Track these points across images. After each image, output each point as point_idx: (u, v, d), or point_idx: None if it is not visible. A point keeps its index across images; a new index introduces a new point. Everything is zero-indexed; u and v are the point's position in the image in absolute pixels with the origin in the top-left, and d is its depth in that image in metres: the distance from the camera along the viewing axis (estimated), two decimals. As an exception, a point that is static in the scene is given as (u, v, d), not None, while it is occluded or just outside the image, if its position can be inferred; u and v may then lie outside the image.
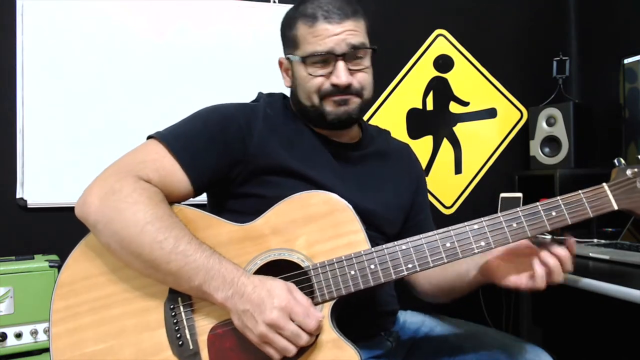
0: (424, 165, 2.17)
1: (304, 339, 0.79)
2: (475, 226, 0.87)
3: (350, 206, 0.90)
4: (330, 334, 0.83)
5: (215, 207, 1.04)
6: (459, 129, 2.22)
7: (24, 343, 1.39)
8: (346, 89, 1.00)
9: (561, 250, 0.87)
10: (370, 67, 1.04)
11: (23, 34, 1.68)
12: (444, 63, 2.21)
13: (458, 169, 2.22)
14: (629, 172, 0.91)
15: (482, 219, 0.88)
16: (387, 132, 1.23)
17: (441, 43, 2.20)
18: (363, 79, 1.02)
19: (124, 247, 0.84)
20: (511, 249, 0.91)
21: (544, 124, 2.08)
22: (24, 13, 1.69)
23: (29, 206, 1.69)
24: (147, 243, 0.82)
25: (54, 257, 1.54)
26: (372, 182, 1.08)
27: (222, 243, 0.89)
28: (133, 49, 1.80)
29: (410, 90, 2.17)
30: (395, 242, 0.87)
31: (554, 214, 0.88)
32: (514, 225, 0.87)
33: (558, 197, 0.89)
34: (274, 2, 1.97)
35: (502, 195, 2.02)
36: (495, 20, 2.27)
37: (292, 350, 0.79)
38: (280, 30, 1.10)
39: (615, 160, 0.94)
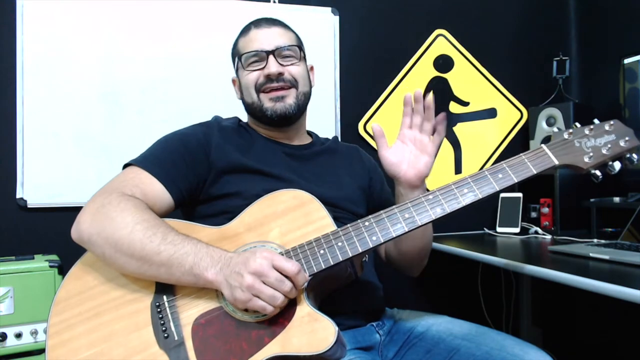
0: (424, 165, 2.17)
1: (288, 284, 0.84)
2: (430, 196, 0.94)
3: (316, 197, 0.98)
4: (305, 309, 0.87)
5: (190, 215, 1.12)
6: (459, 129, 2.22)
7: (24, 343, 1.40)
8: (279, 80, 1.13)
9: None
10: (302, 63, 1.18)
11: (23, 34, 1.69)
12: (444, 63, 2.21)
13: (458, 169, 2.22)
14: (565, 134, 0.99)
15: (435, 190, 0.95)
16: (335, 137, 1.33)
17: (441, 43, 2.20)
18: (295, 70, 1.15)
19: (118, 248, 0.90)
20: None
21: (544, 124, 2.08)
22: (24, 13, 1.69)
23: (29, 206, 1.69)
24: (138, 239, 0.89)
25: (54, 257, 1.54)
26: (326, 172, 1.18)
27: None
28: (133, 48, 1.80)
29: (410, 90, 2.15)
30: (359, 220, 0.94)
31: (500, 175, 0.96)
32: (465, 190, 0.94)
33: (502, 162, 0.97)
34: (274, 2, 1.97)
35: (502, 195, 2.02)
36: (495, 21, 2.27)
37: (279, 297, 0.83)
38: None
39: (555, 128, 1.00)
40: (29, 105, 1.69)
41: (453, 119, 2.22)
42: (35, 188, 1.69)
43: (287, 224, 0.96)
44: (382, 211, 0.94)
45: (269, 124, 1.17)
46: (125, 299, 0.91)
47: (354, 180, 1.21)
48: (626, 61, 1.78)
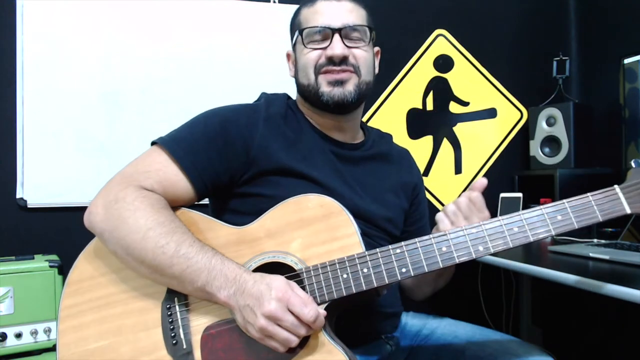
0: (424, 165, 2.17)
1: (303, 329, 0.79)
2: (474, 230, 0.84)
3: (346, 209, 0.89)
4: (320, 337, 0.82)
5: (217, 207, 1.04)
6: (459, 129, 2.22)
7: (24, 343, 1.39)
8: (342, 63, 1.00)
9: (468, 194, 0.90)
10: (369, 47, 1.05)
11: (23, 33, 1.69)
12: (444, 63, 2.21)
13: (458, 169, 2.22)
14: None
15: (481, 222, 0.85)
16: (390, 136, 1.22)
17: (441, 43, 2.20)
18: (360, 55, 1.02)
19: (129, 253, 0.86)
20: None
21: (544, 124, 2.08)
22: (24, 13, 1.69)
23: (29, 206, 1.69)
24: (149, 248, 0.84)
25: (54, 257, 1.54)
26: (373, 182, 1.08)
27: (219, 246, 0.89)
28: (133, 48, 1.80)
29: (410, 90, 2.16)
30: (390, 246, 0.86)
31: (559, 217, 0.83)
32: (515, 229, 0.83)
33: (564, 200, 0.83)
34: (274, 2, 1.97)
35: (502, 195, 2.02)
36: (495, 20, 2.27)
37: (293, 340, 0.79)
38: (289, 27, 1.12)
39: (633, 162, 0.88)
40: (29, 105, 1.69)
41: (453, 119, 2.22)
42: (35, 188, 1.69)
43: (310, 236, 0.88)
44: (417, 239, 0.85)
45: (323, 109, 1.04)
46: (136, 293, 0.89)
47: (398, 199, 1.11)
48: (626, 61, 1.77)
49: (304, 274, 0.86)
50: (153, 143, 0.98)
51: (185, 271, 0.83)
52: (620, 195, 0.83)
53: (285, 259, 0.89)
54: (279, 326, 0.79)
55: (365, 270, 0.84)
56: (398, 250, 0.85)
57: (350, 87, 1.01)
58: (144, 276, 0.88)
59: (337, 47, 0.99)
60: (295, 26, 1.07)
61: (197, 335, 0.85)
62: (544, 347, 1.03)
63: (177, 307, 0.87)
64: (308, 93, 1.04)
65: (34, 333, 1.40)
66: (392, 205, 1.09)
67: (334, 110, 1.03)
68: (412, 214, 1.17)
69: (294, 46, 1.09)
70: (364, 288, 0.84)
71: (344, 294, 0.84)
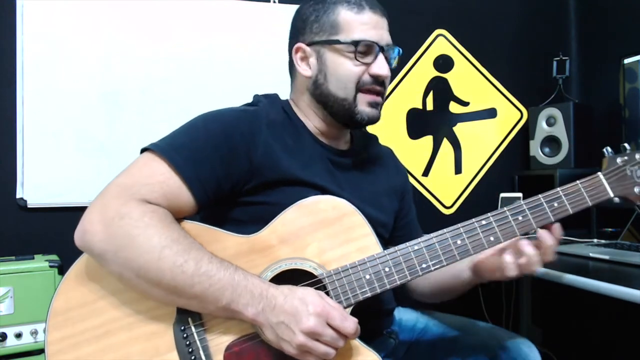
0: (423, 165, 2.17)
1: (342, 342, 0.79)
2: (484, 222, 0.88)
3: (359, 210, 0.89)
4: (352, 342, 0.83)
5: (213, 217, 0.96)
6: (459, 129, 2.22)
7: (24, 343, 1.39)
8: (382, 84, 0.99)
9: (543, 239, 0.90)
10: None
11: (23, 33, 1.68)
12: (444, 63, 2.21)
13: (458, 169, 2.22)
14: (619, 160, 0.94)
15: (488, 214, 0.89)
16: (375, 137, 1.20)
17: (441, 43, 2.20)
18: (389, 77, 1.03)
19: (141, 275, 0.79)
20: (500, 246, 0.92)
21: (544, 124, 2.08)
22: (24, 13, 1.69)
23: (29, 206, 1.68)
24: (167, 269, 0.77)
25: (54, 257, 1.54)
26: (368, 187, 1.08)
27: (229, 257, 0.84)
28: (133, 48, 1.80)
29: (410, 90, 2.16)
30: (407, 243, 0.87)
31: (556, 204, 0.90)
32: (520, 218, 0.89)
33: (558, 189, 0.91)
34: (274, 2, 1.97)
35: (502, 195, 2.02)
36: (495, 20, 2.27)
37: (332, 353, 0.78)
38: (301, 17, 1.03)
39: (604, 150, 0.96)
40: (29, 105, 1.69)
41: (453, 119, 2.21)
42: (35, 188, 1.69)
43: (326, 239, 0.86)
44: (432, 235, 0.87)
45: (344, 123, 1.01)
46: (140, 317, 0.81)
47: (391, 203, 1.12)
48: (626, 61, 1.77)
49: (326, 279, 0.85)
50: (144, 149, 0.89)
51: (208, 290, 0.78)
52: (604, 181, 0.93)
53: (304, 265, 0.86)
54: (318, 341, 0.77)
55: (387, 269, 0.85)
56: (416, 247, 0.87)
57: (380, 109, 1.02)
58: (154, 298, 0.82)
59: (384, 67, 0.97)
60: (327, 25, 0.97)
61: (218, 355, 0.81)
62: (544, 347, 1.05)
63: (192, 328, 0.82)
64: (337, 105, 0.98)
65: (34, 333, 1.40)
66: (387, 210, 1.11)
67: (358, 126, 1.03)
68: (401, 211, 1.18)
69: (314, 43, 0.99)
70: (388, 287, 0.85)
71: (369, 295, 0.84)
